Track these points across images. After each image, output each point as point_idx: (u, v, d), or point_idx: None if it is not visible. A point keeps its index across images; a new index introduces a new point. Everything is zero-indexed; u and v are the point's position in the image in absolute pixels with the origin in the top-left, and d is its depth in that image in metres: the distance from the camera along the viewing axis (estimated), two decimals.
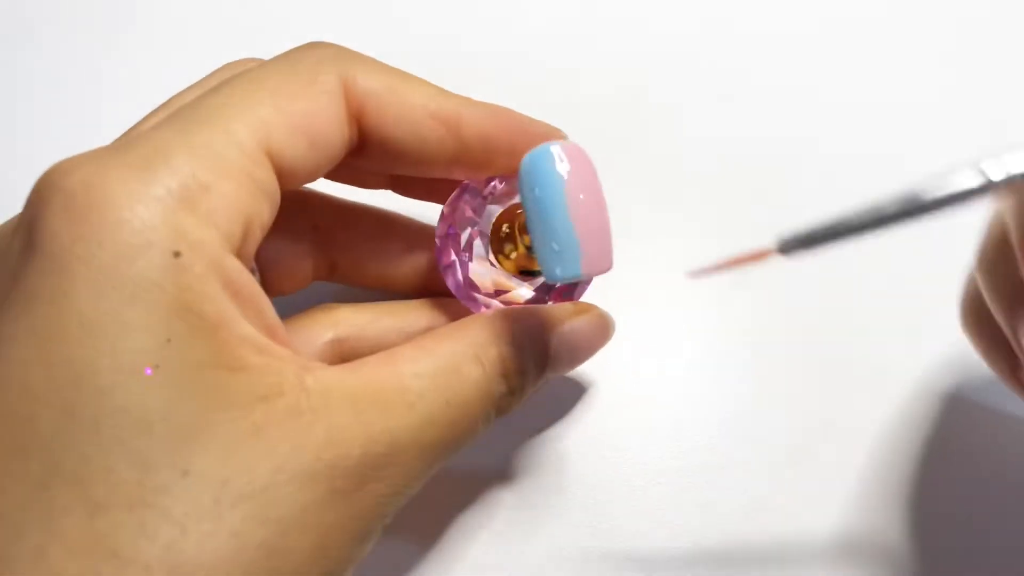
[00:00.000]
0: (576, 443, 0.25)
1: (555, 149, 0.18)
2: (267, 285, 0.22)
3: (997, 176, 0.14)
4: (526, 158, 0.18)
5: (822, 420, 0.25)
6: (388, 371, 0.18)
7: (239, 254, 0.17)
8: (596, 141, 0.27)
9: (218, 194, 0.16)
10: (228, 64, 0.20)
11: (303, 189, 0.23)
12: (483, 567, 0.24)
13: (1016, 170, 0.14)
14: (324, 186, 0.22)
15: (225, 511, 0.15)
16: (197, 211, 0.16)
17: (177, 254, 0.15)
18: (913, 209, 0.14)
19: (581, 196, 0.18)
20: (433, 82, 0.20)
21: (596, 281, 0.23)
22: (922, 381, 0.25)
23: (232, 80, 0.18)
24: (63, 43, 0.30)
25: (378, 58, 0.20)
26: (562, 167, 0.18)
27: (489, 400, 0.19)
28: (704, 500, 0.24)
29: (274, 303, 0.22)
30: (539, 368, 0.21)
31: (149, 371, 0.15)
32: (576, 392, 0.26)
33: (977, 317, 0.20)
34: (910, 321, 0.26)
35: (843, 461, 0.25)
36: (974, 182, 0.14)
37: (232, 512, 0.15)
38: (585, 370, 0.26)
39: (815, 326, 0.26)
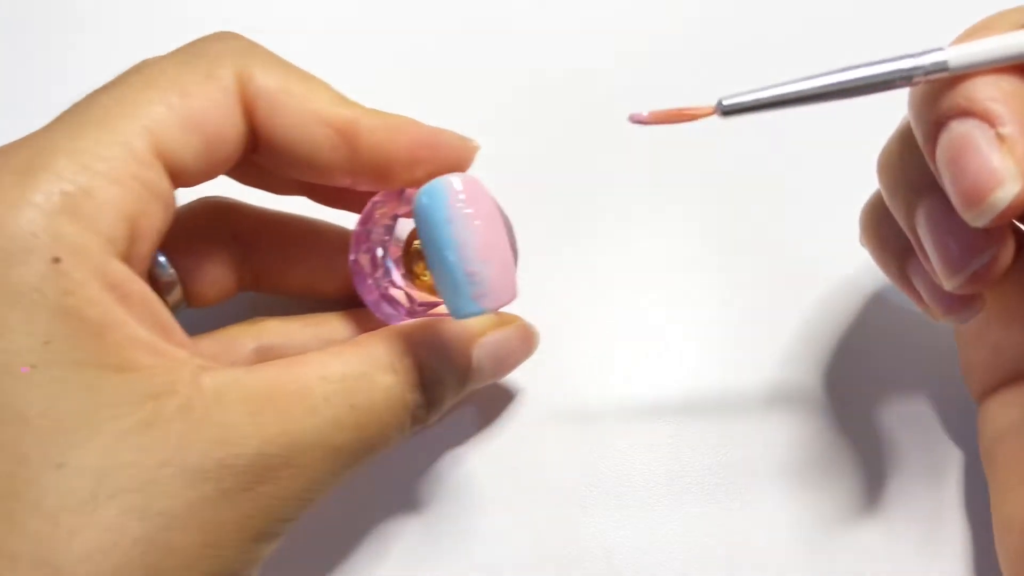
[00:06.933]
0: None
1: (446, 185, 0.18)
2: (190, 295, 0.22)
3: (913, 68, 0.16)
4: (418, 196, 0.18)
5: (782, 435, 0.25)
6: (291, 373, 0.18)
7: (127, 257, 0.17)
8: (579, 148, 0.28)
9: (101, 199, 0.16)
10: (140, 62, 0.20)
11: (223, 199, 0.23)
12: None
13: (928, 65, 0.16)
14: (243, 195, 0.23)
15: (101, 504, 0.15)
16: (78, 216, 0.16)
17: (57, 260, 0.16)
18: (840, 88, 0.16)
19: (477, 233, 0.18)
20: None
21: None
22: None
23: (126, 76, 0.18)
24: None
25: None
26: (455, 205, 0.18)
27: (402, 408, 0.19)
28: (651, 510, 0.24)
29: (202, 314, 0.23)
30: (460, 379, 0.21)
31: (26, 370, 0.15)
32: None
33: (874, 220, 0.21)
34: None
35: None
36: (895, 70, 0.16)
37: (109, 505, 0.15)
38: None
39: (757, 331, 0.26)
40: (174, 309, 0.22)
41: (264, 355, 0.22)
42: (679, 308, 0.27)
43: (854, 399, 0.25)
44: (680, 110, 0.17)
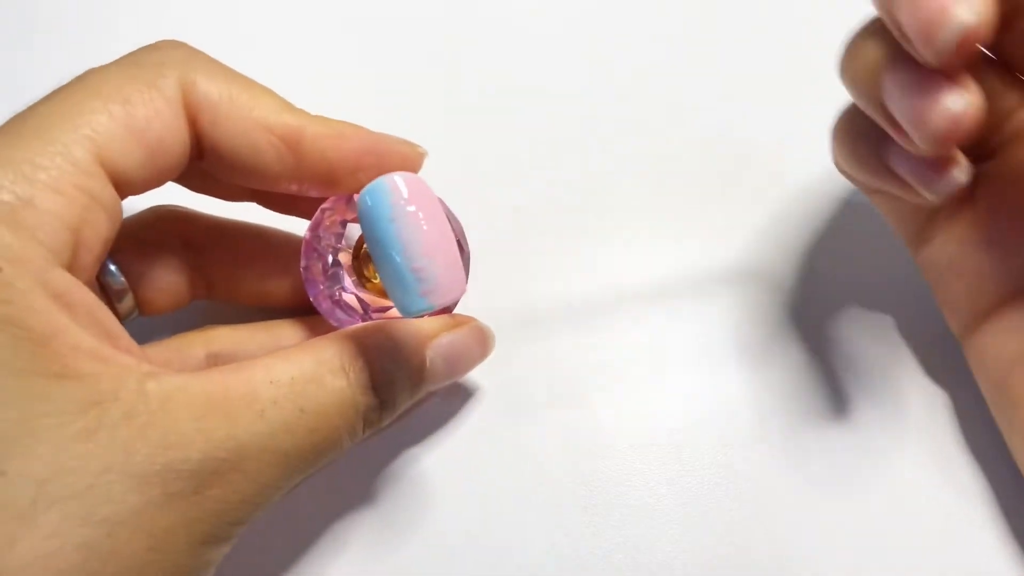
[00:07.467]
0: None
1: (388, 184, 0.18)
2: (142, 303, 0.22)
3: None
4: (361, 197, 0.18)
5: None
6: (239, 377, 0.18)
7: (72, 267, 0.17)
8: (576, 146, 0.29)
9: (43, 209, 0.17)
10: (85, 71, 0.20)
11: (174, 207, 0.23)
12: None
13: None
14: (194, 201, 0.23)
15: (42, 511, 0.15)
16: (19, 227, 0.16)
17: None
18: None
19: (421, 231, 0.18)
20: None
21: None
22: None
23: (68, 86, 0.18)
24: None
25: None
26: (398, 203, 0.18)
27: (353, 411, 0.19)
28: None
29: (154, 322, 0.23)
30: (413, 381, 0.21)
31: None
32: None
33: (845, 127, 0.21)
34: None
35: None
36: None
37: (50, 512, 0.15)
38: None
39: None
40: (125, 317, 0.22)
41: (215, 362, 0.22)
42: (673, 303, 0.27)
43: (854, 387, 0.25)
44: None
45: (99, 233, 0.18)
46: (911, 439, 0.25)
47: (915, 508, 0.24)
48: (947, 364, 0.25)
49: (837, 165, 0.23)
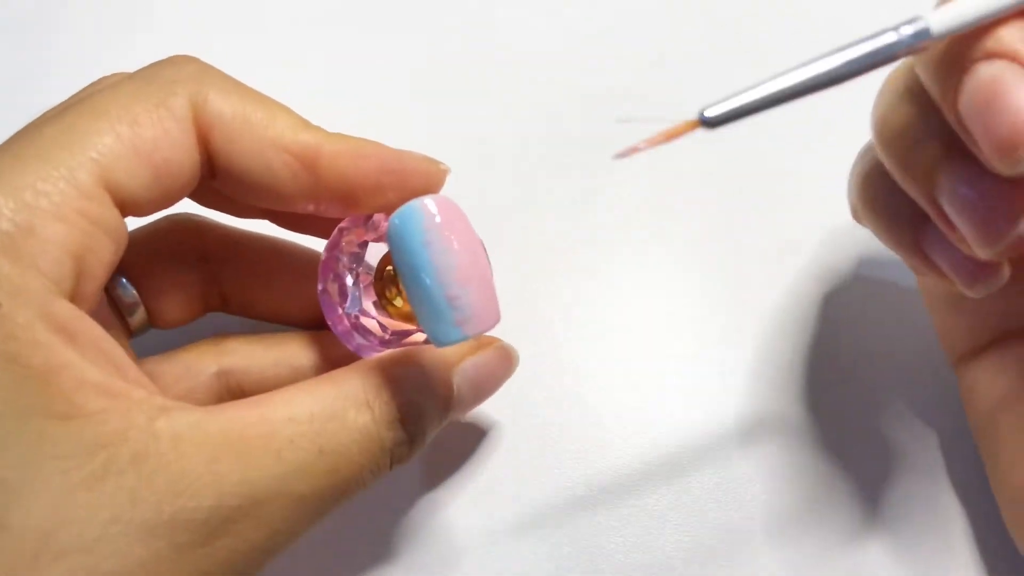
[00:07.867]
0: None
1: (421, 208, 0.17)
2: (155, 316, 0.21)
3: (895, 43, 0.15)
4: (392, 220, 0.17)
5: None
6: (256, 415, 0.17)
7: (74, 296, 0.16)
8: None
9: (44, 237, 0.16)
10: (96, 80, 0.19)
11: (191, 216, 0.22)
12: None
13: (939, 27, 0.15)
14: (212, 215, 0.22)
15: (45, 567, 0.14)
16: (19, 257, 0.15)
17: None
18: (824, 79, 0.15)
19: (455, 256, 0.17)
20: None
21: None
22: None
23: (75, 105, 0.17)
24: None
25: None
26: (431, 228, 0.17)
27: (378, 448, 0.18)
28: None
29: (167, 334, 0.22)
30: (441, 410, 0.20)
31: None
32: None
33: (875, 192, 0.19)
34: None
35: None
36: (894, 41, 0.15)
37: (53, 567, 0.14)
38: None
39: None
40: (137, 331, 0.21)
41: (225, 379, 0.21)
42: (674, 303, 0.26)
43: (850, 386, 0.25)
44: (662, 133, 0.15)
45: (102, 260, 0.17)
46: (891, 432, 0.24)
47: (914, 506, 0.24)
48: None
49: (856, 218, 0.21)
